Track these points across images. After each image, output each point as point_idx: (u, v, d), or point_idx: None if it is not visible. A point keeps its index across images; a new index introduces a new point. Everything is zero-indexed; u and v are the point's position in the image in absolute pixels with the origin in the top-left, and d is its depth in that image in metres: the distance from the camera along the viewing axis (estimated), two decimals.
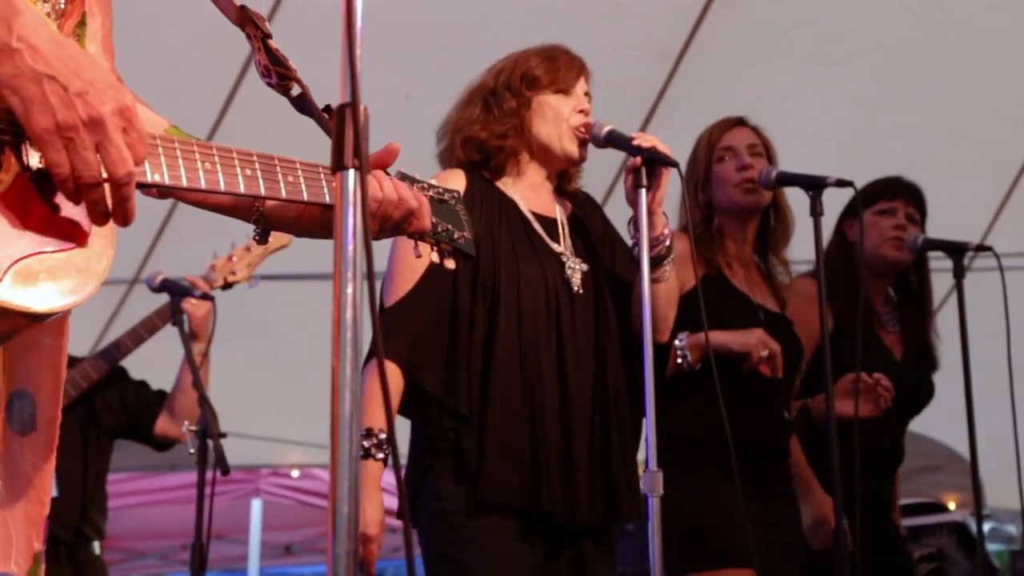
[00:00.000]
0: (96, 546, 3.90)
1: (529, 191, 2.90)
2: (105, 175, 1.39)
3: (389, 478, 3.07)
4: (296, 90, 1.80)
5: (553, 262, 2.82)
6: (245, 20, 1.83)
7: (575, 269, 2.83)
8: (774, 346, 3.12)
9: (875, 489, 3.70)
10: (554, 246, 2.85)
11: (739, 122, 3.46)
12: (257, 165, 1.64)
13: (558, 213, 2.92)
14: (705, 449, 3.01)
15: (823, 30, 5.57)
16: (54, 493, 3.89)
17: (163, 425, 3.96)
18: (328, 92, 1.64)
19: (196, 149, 1.57)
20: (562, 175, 2.98)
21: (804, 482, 3.49)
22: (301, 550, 9.32)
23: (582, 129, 2.88)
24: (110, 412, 3.93)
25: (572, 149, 2.88)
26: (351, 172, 1.37)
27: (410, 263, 2.73)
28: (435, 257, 1.92)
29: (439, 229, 1.91)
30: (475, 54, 4.98)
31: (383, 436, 2.60)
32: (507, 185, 2.89)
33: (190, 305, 3.80)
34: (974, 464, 3.58)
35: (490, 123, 2.87)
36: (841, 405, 3.32)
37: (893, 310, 3.89)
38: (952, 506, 5.75)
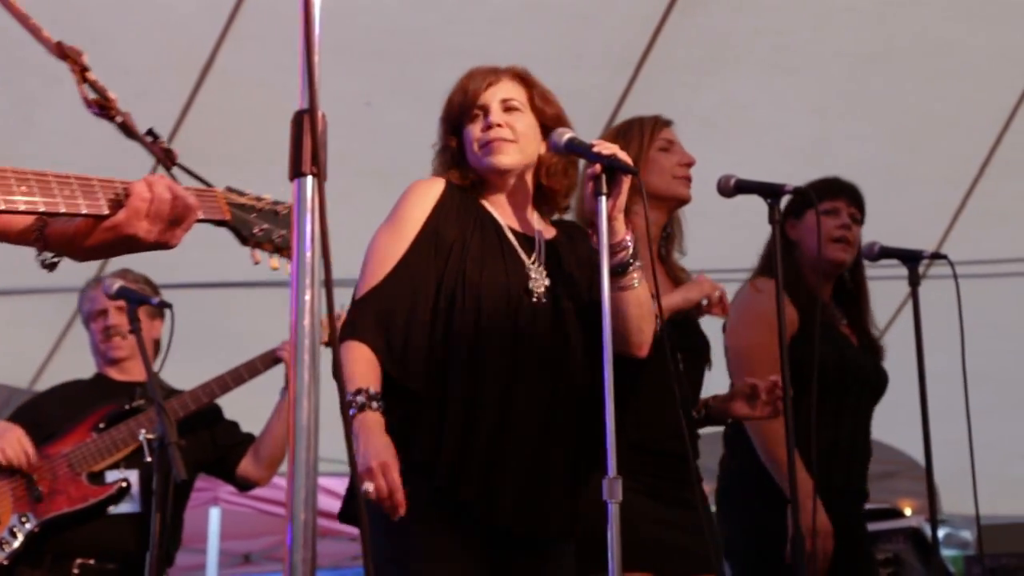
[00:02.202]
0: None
1: (505, 210, 2.93)
2: None
3: (336, 483, 3.06)
4: (119, 118, 1.89)
5: (519, 271, 2.83)
6: (64, 54, 1.89)
7: (538, 281, 2.84)
8: (719, 286, 3.15)
9: (839, 484, 3.71)
10: (524, 257, 2.87)
11: (670, 123, 3.48)
12: (33, 182, 1.71)
13: (537, 233, 2.94)
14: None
15: (781, 40, 5.62)
16: (137, 508, 3.98)
17: (246, 466, 4.08)
18: (287, 98, 1.64)
19: None
20: (542, 201, 2.99)
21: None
22: (260, 559, 9.26)
23: (488, 140, 2.88)
24: (199, 446, 4.00)
25: (488, 162, 2.89)
26: (308, 179, 1.37)
27: (382, 256, 2.77)
28: (275, 263, 2.07)
29: (274, 236, 2.05)
30: (435, 63, 4.99)
31: (372, 390, 2.61)
32: (487, 202, 2.93)
33: (287, 354, 3.89)
34: (929, 470, 3.60)
35: (442, 160, 2.95)
36: (739, 407, 3.34)
37: (837, 308, 3.93)
38: (908, 512, 5.81)
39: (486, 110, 2.90)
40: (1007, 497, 6.08)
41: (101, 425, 3.88)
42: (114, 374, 4.09)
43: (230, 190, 2.03)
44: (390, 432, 2.65)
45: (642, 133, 3.39)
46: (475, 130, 2.90)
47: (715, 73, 5.64)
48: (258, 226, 2.04)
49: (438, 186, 2.87)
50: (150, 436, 3.59)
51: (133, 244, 1.87)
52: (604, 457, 2.60)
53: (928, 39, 5.64)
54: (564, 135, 2.85)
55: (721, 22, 5.51)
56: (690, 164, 3.39)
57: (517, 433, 2.71)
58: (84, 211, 1.78)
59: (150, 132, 1.91)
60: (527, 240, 2.90)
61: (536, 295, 2.82)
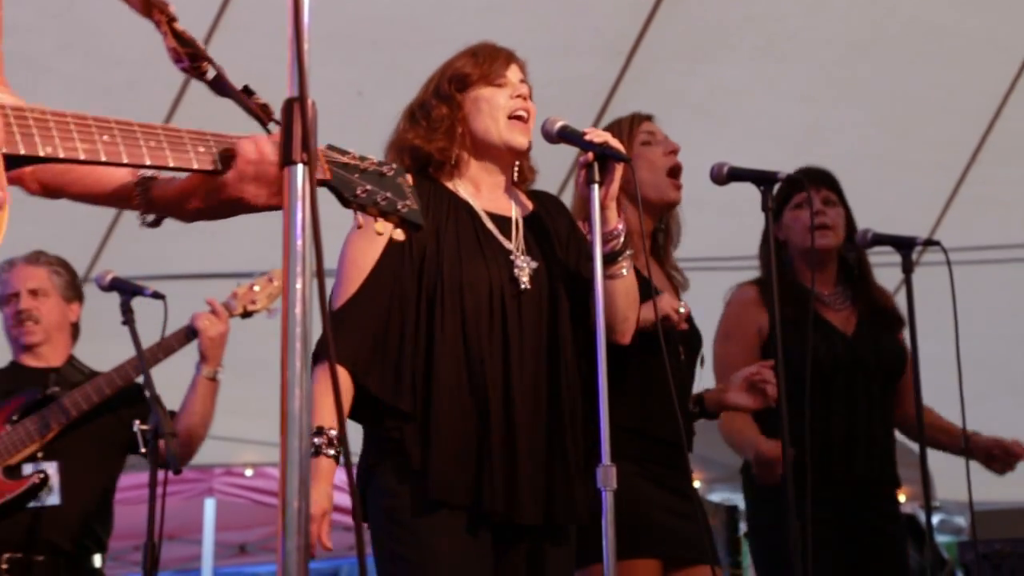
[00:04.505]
0: (97, 559, 3.88)
1: (480, 190, 2.87)
2: None
3: (343, 475, 3.05)
4: (211, 72, 1.78)
5: (501, 260, 2.79)
6: (150, 7, 1.79)
7: (524, 267, 2.80)
8: (677, 305, 3.15)
9: (861, 473, 3.72)
10: (504, 243, 2.82)
11: (651, 117, 3.48)
12: (117, 134, 1.60)
13: (513, 211, 2.88)
14: (621, 436, 2.96)
15: (773, 27, 5.62)
16: (56, 501, 3.91)
17: (165, 445, 3.91)
18: (278, 88, 1.63)
19: (92, 124, 1.54)
20: (516, 180, 2.96)
21: (742, 431, 3.56)
22: (255, 549, 9.26)
23: (521, 113, 2.84)
24: (121, 427, 3.89)
25: (511, 138, 2.84)
26: (299, 167, 1.37)
27: (358, 265, 2.71)
28: (380, 228, 1.92)
29: (379, 199, 1.90)
30: (427, 51, 4.96)
31: (333, 433, 2.59)
32: (457, 186, 2.86)
33: (203, 324, 3.82)
34: (923, 457, 3.61)
35: (420, 134, 2.85)
36: (737, 397, 3.36)
37: (844, 290, 3.93)
38: (902, 498, 5.80)
39: (511, 84, 2.86)
40: (1000, 483, 6.06)
41: (15, 417, 3.75)
42: (28, 361, 3.96)
43: (331, 148, 1.87)
44: (385, 438, 2.66)
45: (620, 132, 3.37)
46: (499, 96, 2.85)
47: (707, 61, 5.63)
48: (361, 187, 1.88)
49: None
50: (144, 427, 3.56)
51: (241, 207, 1.76)
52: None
53: (919, 25, 5.63)
54: (556, 123, 2.84)
55: (712, 10, 5.51)
56: (675, 151, 3.38)
57: (526, 432, 2.68)
58: (195, 165, 1.66)
59: (246, 88, 1.77)
60: (503, 221, 2.84)
61: (522, 283, 2.78)
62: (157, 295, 3.78)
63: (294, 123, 1.38)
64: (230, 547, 9.09)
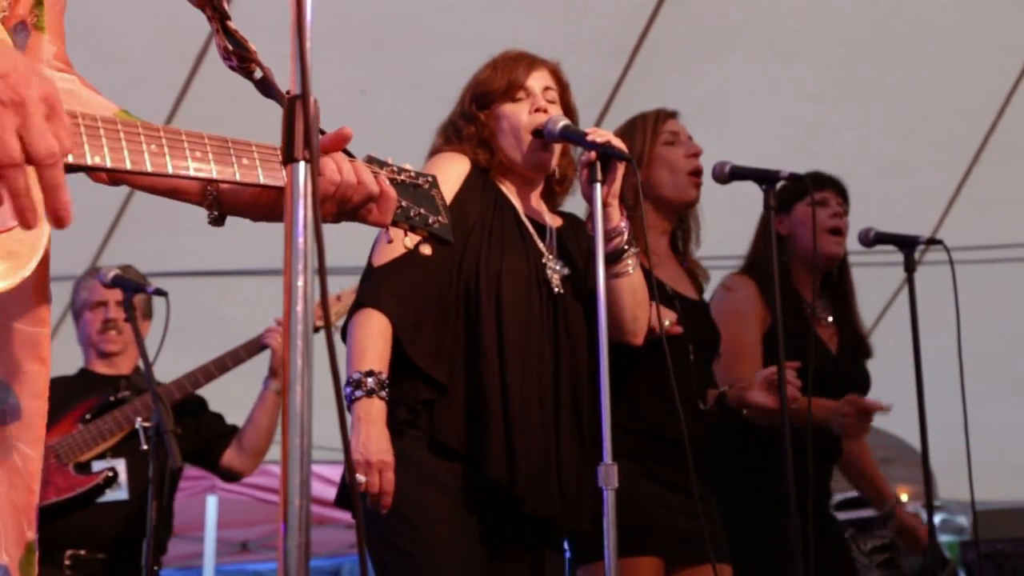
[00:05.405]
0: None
1: (521, 197, 2.93)
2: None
3: (335, 471, 3.05)
4: (258, 73, 1.76)
5: (537, 260, 2.84)
6: (204, 1, 1.77)
7: (556, 271, 2.85)
8: (667, 320, 3.14)
9: (813, 479, 3.72)
10: (540, 244, 2.87)
11: (675, 115, 3.48)
12: (208, 147, 1.59)
13: (547, 221, 2.94)
14: (623, 434, 2.96)
15: (775, 26, 5.62)
16: (124, 496, 3.99)
17: (230, 457, 4.09)
18: (282, 85, 1.64)
19: (141, 131, 1.52)
20: (549, 190, 2.99)
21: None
22: (257, 547, 9.26)
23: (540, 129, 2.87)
24: (184, 437, 3.98)
25: (533, 158, 2.89)
26: (301, 164, 1.37)
27: None
28: (408, 243, 1.88)
29: (412, 214, 1.86)
30: (429, 50, 4.98)
31: (384, 378, 2.59)
32: (504, 185, 2.92)
33: (276, 342, 3.93)
34: (925, 456, 3.61)
35: (457, 149, 2.89)
36: (758, 395, 3.34)
37: (825, 303, 3.91)
38: (904, 498, 5.81)
39: (532, 95, 2.89)
40: (1003, 483, 6.10)
41: (87, 416, 3.89)
42: (101, 368, 4.11)
43: (371, 160, 1.84)
44: (413, 412, 2.65)
45: (645, 129, 3.38)
46: (520, 113, 2.88)
47: (709, 60, 5.63)
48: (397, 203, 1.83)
49: (465, 163, 2.85)
50: (146, 424, 3.58)
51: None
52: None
53: (922, 25, 5.63)
54: (559, 123, 2.86)
55: (715, 9, 5.51)
56: (697, 154, 3.38)
57: (551, 431, 2.71)
58: (261, 181, 1.62)
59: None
60: (539, 228, 2.91)
61: (555, 285, 2.82)
62: (160, 292, 3.81)
63: (296, 120, 1.38)
64: (232, 544, 9.09)
